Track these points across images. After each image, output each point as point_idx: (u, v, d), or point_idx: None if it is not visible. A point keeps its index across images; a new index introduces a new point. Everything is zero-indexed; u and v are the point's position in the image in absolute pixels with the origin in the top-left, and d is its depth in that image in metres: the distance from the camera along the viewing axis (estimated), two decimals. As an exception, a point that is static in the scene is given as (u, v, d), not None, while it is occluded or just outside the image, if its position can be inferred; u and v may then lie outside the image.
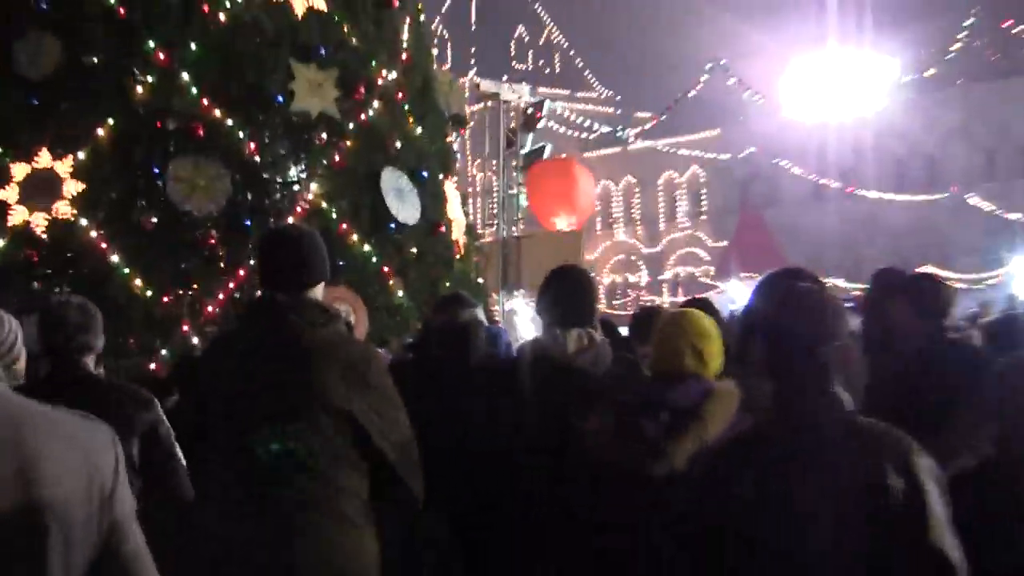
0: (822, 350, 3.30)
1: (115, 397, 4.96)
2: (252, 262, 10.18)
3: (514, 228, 25.63)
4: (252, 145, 10.79)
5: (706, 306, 7.12)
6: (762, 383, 3.41)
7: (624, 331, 7.71)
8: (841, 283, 45.50)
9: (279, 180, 11.14)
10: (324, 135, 11.31)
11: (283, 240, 4.49)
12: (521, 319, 21.28)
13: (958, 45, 49.32)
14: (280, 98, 11.00)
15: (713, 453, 3.70)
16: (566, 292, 5.15)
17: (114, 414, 4.03)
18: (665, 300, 61.65)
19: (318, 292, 4.34)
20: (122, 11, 10.69)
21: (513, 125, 25.67)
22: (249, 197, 10.82)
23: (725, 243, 58.09)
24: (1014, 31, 29.65)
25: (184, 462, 5.06)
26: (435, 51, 13.87)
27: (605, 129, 34.81)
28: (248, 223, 10.60)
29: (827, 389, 3.29)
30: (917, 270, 7.68)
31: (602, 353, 5.03)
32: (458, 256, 12.85)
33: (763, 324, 3.50)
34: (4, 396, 2.22)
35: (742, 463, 3.33)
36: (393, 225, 11.58)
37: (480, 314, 6.10)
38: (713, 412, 4.26)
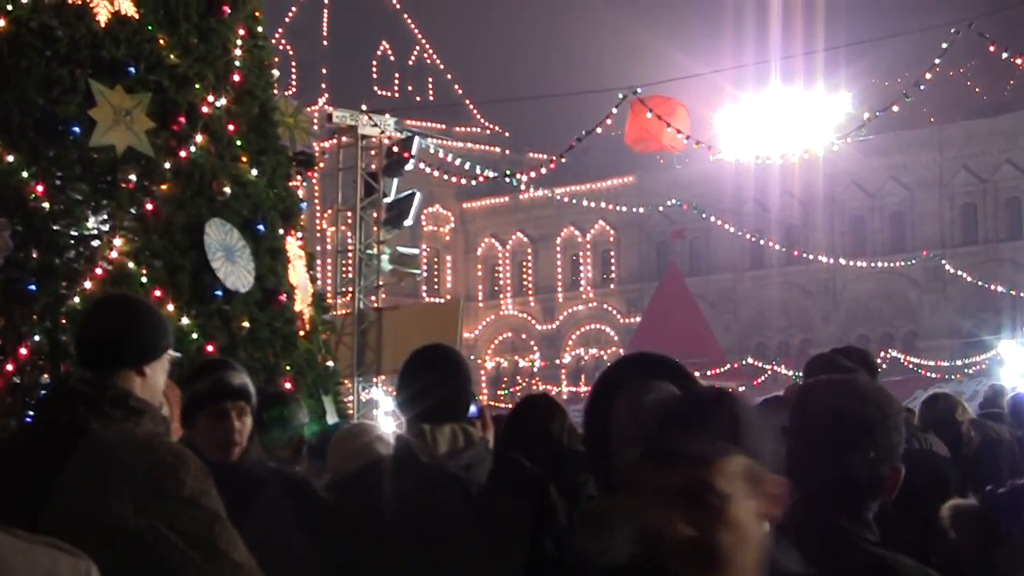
0: None
1: None
2: (37, 338, 10.08)
3: (374, 298, 25.65)
4: (39, 188, 10.73)
5: (549, 403, 7.22)
6: None
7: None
8: (784, 371, 46.11)
9: (74, 233, 11.07)
10: (133, 177, 11.27)
11: (104, 306, 4.50)
12: (382, 412, 21.28)
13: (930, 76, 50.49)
14: (76, 129, 10.96)
15: None
16: (436, 377, 5.13)
17: None
18: (563, 390, 61.57)
19: (133, 378, 4.26)
20: None
21: (374, 167, 25.77)
22: (35, 255, 10.74)
23: (639, 319, 58.64)
24: (1003, 57, 30.22)
25: None
26: (276, 72, 13.91)
27: (490, 173, 35.00)
28: (32, 288, 10.51)
29: None
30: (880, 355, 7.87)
31: (480, 455, 5.07)
32: (302, 333, 12.86)
33: None
34: None
35: None
36: (220, 292, 11.54)
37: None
38: None
